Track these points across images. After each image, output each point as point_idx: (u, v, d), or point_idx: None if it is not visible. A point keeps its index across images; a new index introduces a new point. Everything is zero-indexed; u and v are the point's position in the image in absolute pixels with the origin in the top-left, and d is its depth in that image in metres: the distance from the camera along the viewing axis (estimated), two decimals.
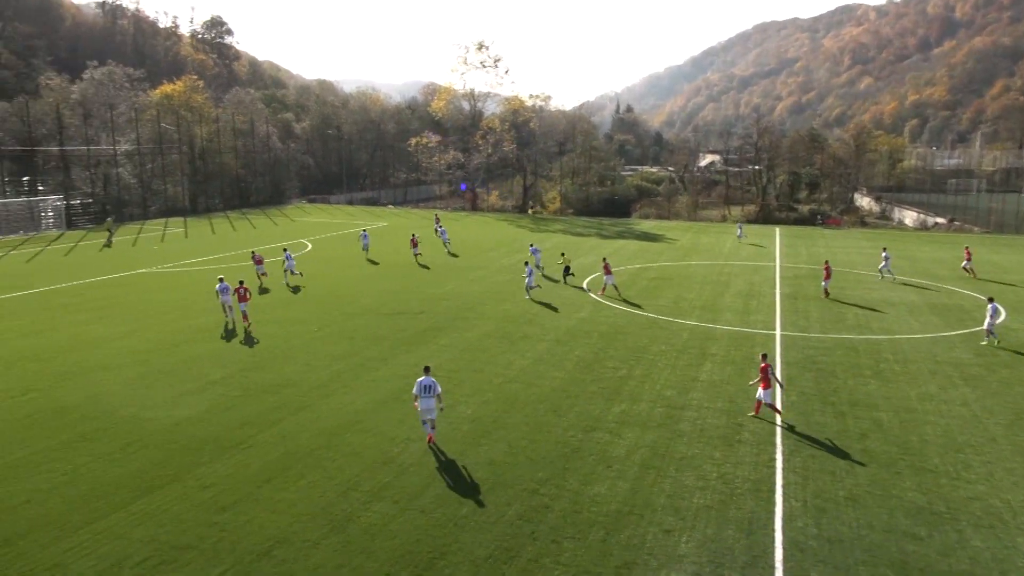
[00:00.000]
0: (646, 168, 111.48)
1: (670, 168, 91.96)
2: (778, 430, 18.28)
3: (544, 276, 37.86)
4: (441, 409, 17.73)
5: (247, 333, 26.50)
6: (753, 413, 19.17)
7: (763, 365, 18.98)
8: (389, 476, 15.94)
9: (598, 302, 32.08)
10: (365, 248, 45.97)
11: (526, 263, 34.32)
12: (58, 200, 60.93)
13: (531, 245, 42.50)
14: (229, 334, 26.51)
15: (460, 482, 15.68)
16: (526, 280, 33.00)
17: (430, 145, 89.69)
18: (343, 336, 26.36)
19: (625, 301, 32.23)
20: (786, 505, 14.86)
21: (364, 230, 48.44)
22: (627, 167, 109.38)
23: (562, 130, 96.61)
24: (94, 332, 27.00)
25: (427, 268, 40.56)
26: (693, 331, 27.26)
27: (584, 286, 35.58)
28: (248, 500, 14.94)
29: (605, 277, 33.91)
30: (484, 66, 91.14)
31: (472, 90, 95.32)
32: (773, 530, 14.00)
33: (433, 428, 17.48)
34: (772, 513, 14.55)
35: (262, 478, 15.82)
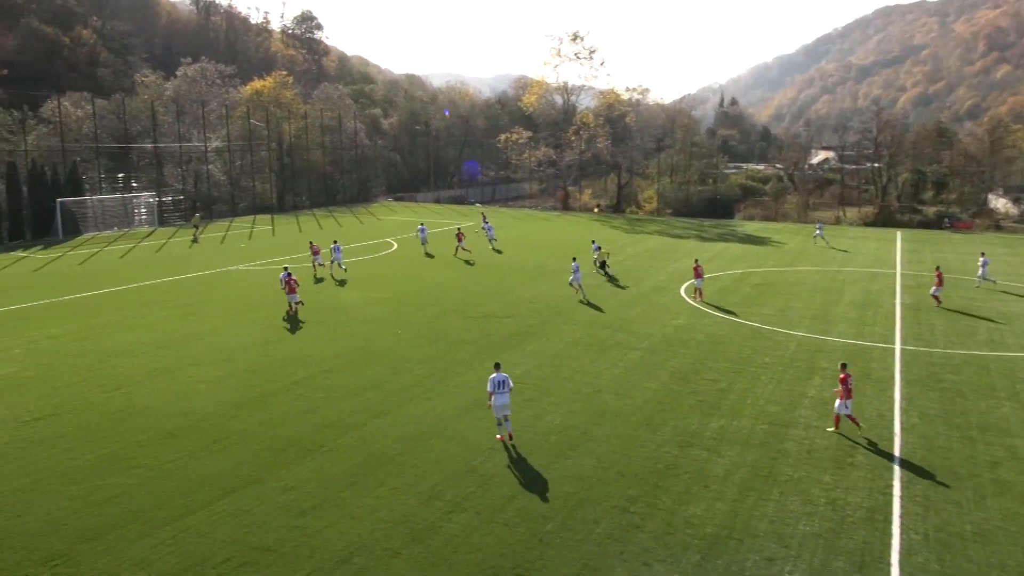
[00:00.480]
0: (752, 166, 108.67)
1: (778, 165, 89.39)
2: (896, 454, 17.51)
3: (603, 274, 38.59)
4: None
5: (295, 319, 28.44)
6: (833, 428, 18.77)
7: (842, 376, 18.75)
8: (472, 486, 16.09)
9: (697, 308, 31.53)
10: (423, 243, 49.11)
11: (574, 259, 36.26)
12: (151, 197, 64.57)
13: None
14: (311, 334, 27.43)
15: (545, 496, 15.65)
16: (571, 276, 34.49)
17: (520, 141, 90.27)
18: (427, 339, 26.82)
19: (721, 308, 31.55)
20: (904, 537, 14.24)
21: (422, 224, 49.55)
22: (731, 164, 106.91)
23: (660, 125, 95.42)
24: (183, 329, 28.45)
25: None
26: (801, 343, 26.43)
27: (682, 292, 35.09)
28: (329, 505, 15.36)
29: (695, 280, 33.75)
30: (578, 58, 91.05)
31: (565, 83, 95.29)
32: (889, 564, 13.45)
33: (507, 421, 17.99)
34: (888, 545, 13.97)
35: (343, 483, 16.23)
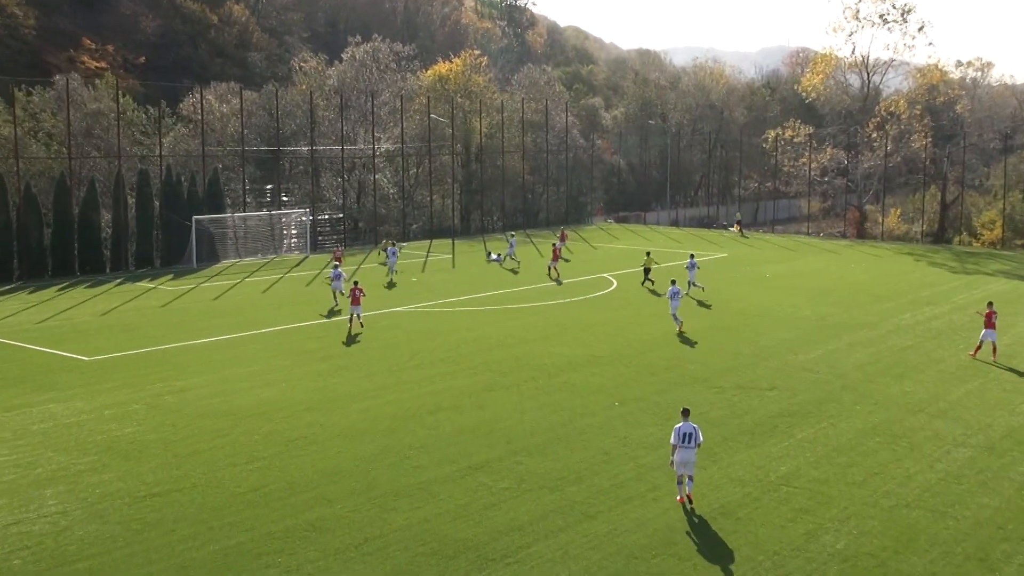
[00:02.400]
0: None
1: None
2: None
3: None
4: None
5: (352, 336, 28.83)
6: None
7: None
8: None
9: None
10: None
11: (673, 281, 40.62)
12: (304, 215, 69.83)
13: (690, 256, 50.51)
14: (497, 401, 28.18)
15: None
16: (670, 304, 39.25)
17: (797, 140, 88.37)
18: (657, 415, 26.75)
19: None
20: None
21: (691, 258, 49.40)
22: None
23: (1010, 115, 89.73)
24: (334, 387, 30.25)
25: (708, 307, 40.01)
26: None
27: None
28: None
29: (984, 332, 33.61)
30: (885, 21, 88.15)
31: (864, 57, 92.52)
32: None
33: (690, 481, 19.92)
34: None
35: None
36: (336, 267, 47.72)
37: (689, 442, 20.07)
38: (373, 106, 77.04)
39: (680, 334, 38.17)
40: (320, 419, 26.83)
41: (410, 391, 29.73)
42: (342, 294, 45.07)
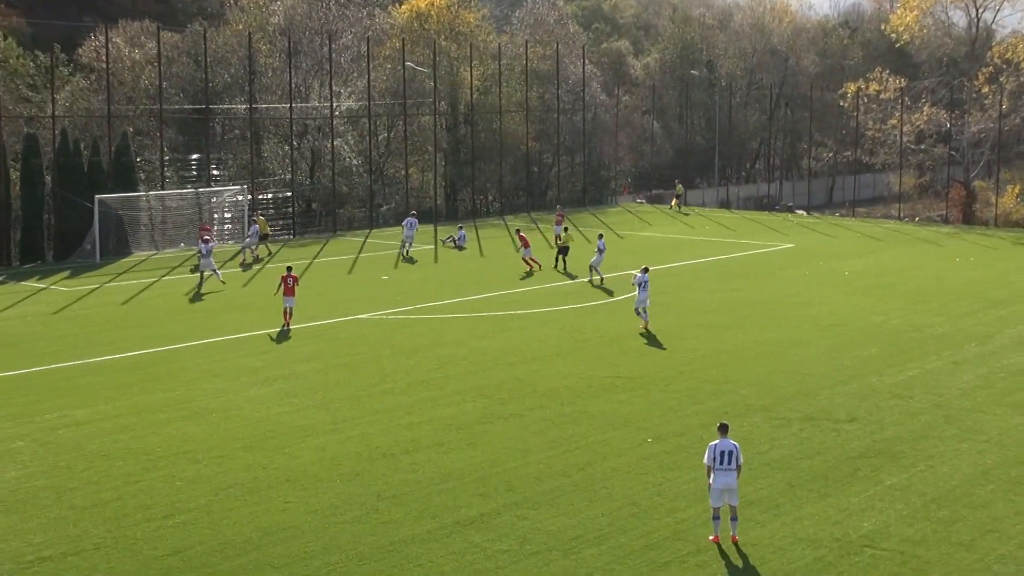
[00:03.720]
0: None
1: None
2: None
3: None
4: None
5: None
6: None
7: None
8: None
9: None
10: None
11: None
12: (240, 194, 69.74)
13: (644, 270, 47.35)
14: (491, 433, 28.16)
15: None
16: (637, 295, 42.05)
17: (884, 96, 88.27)
18: (700, 455, 26.54)
19: None
20: None
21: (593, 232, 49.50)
22: None
23: None
24: (282, 419, 30.18)
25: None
26: None
27: None
28: None
29: None
30: None
31: None
32: None
33: (735, 519, 20.58)
34: None
35: None
36: (207, 241, 51.62)
37: (728, 462, 20.60)
38: (331, 51, 76.96)
39: (644, 332, 40.77)
40: (262, 460, 26.76)
41: (380, 424, 29.69)
42: (214, 274, 50.40)
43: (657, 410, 30.91)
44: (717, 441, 21.10)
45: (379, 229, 75.47)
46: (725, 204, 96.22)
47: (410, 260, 61.11)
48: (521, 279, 53.97)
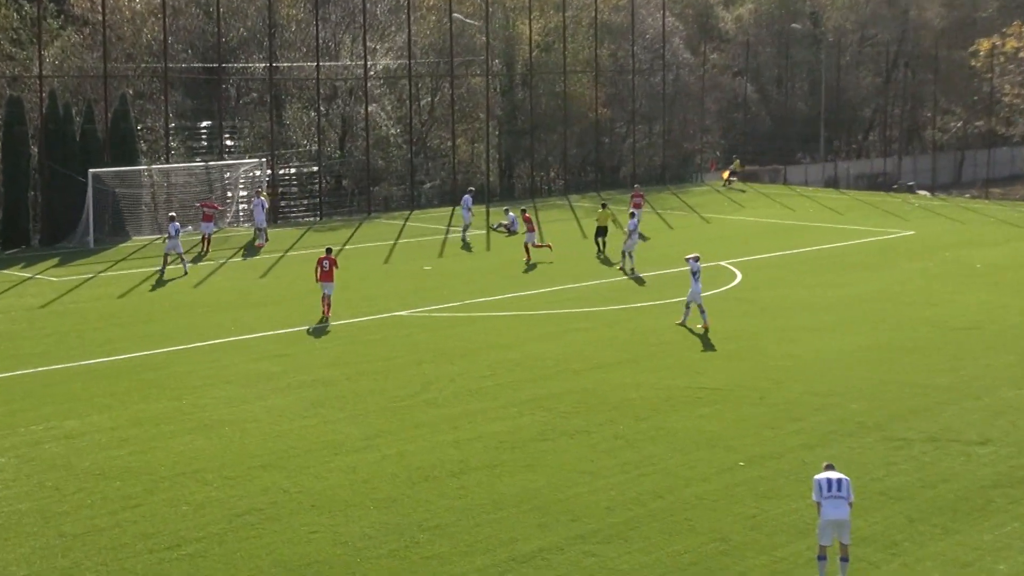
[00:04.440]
0: None
1: None
2: None
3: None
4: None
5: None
6: None
7: None
8: None
9: None
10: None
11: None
12: (259, 168, 69.86)
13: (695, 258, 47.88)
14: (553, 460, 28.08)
15: None
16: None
17: (1023, 55, 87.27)
18: (800, 481, 26.36)
19: None
20: None
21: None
22: None
23: None
24: (307, 433, 30.22)
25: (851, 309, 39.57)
26: None
27: None
28: None
29: None
30: None
31: None
32: None
33: (846, 559, 20.65)
34: None
35: None
36: (174, 222, 53.72)
37: (839, 489, 20.54)
38: (365, 1, 76.98)
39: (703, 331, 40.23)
40: (282, 482, 26.80)
41: (421, 440, 29.64)
42: (179, 257, 52.89)
43: (749, 427, 30.74)
44: (825, 474, 20.98)
45: (421, 210, 75.56)
46: (832, 183, 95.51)
47: (467, 247, 61.61)
48: (524, 272, 54.29)
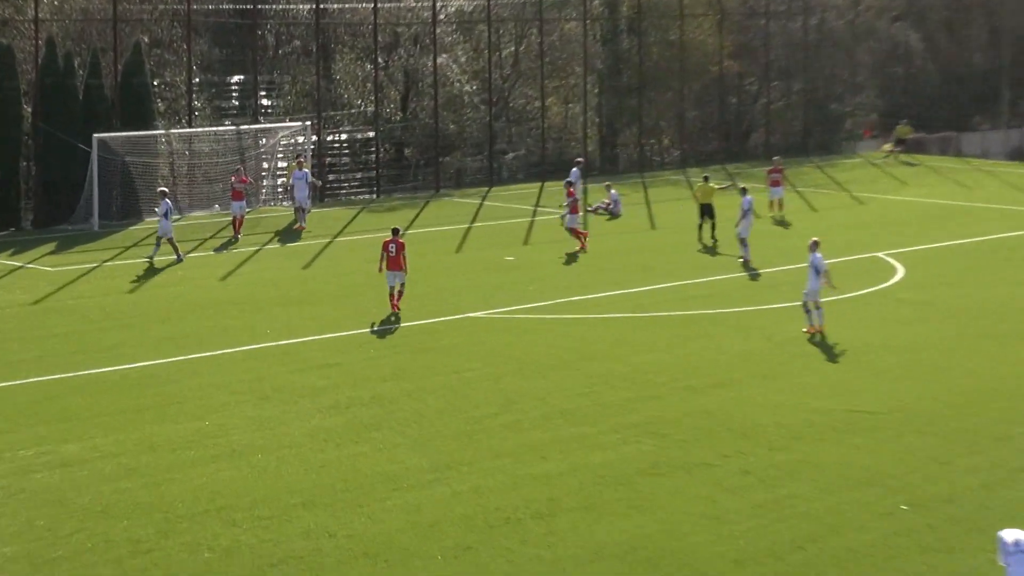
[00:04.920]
0: None
1: None
2: None
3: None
4: None
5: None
6: None
7: None
8: None
9: None
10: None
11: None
12: (302, 133, 70.24)
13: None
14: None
15: None
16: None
17: None
18: (981, 531, 26.06)
19: None
20: None
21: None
22: None
23: None
24: (358, 463, 30.20)
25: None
26: None
27: None
28: None
29: None
30: None
31: None
32: None
33: None
34: None
35: None
36: (165, 199, 54.46)
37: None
38: None
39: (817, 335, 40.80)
40: (328, 523, 26.76)
41: (501, 474, 29.45)
42: (167, 243, 53.28)
43: (914, 462, 30.43)
44: (1007, 531, 20.30)
45: (501, 186, 75.60)
46: (1017, 154, 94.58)
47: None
48: (564, 263, 54.55)
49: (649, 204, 68.92)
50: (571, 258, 54.60)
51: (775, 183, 63.05)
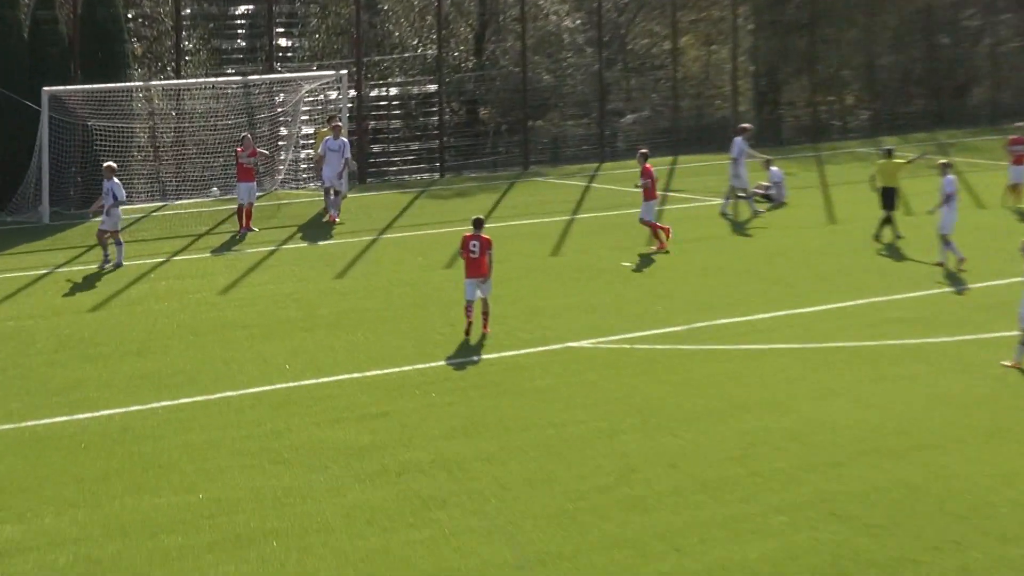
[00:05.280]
0: None
1: None
2: None
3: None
4: None
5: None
6: None
7: None
8: None
9: None
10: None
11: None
12: (336, 87, 70.53)
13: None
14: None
15: None
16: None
17: None
18: None
19: None
20: None
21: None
22: None
23: None
24: (410, 551, 30.11)
25: None
26: None
27: None
28: None
29: None
30: None
31: None
32: None
33: None
34: None
35: None
36: (112, 178, 54.60)
37: None
38: None
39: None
40: None
41: (616, 569, 29.13)
42: (113, 238, 52.97)
43: None
44: None
45: (615, 162, 75.83)
46: None
47: (728, 216, 63.57)
48: (638, 266, 55.22)
49: (826, 188, 68.93)
50: (645, 261, 55.04)
51: (1018, 159, 62.57)
